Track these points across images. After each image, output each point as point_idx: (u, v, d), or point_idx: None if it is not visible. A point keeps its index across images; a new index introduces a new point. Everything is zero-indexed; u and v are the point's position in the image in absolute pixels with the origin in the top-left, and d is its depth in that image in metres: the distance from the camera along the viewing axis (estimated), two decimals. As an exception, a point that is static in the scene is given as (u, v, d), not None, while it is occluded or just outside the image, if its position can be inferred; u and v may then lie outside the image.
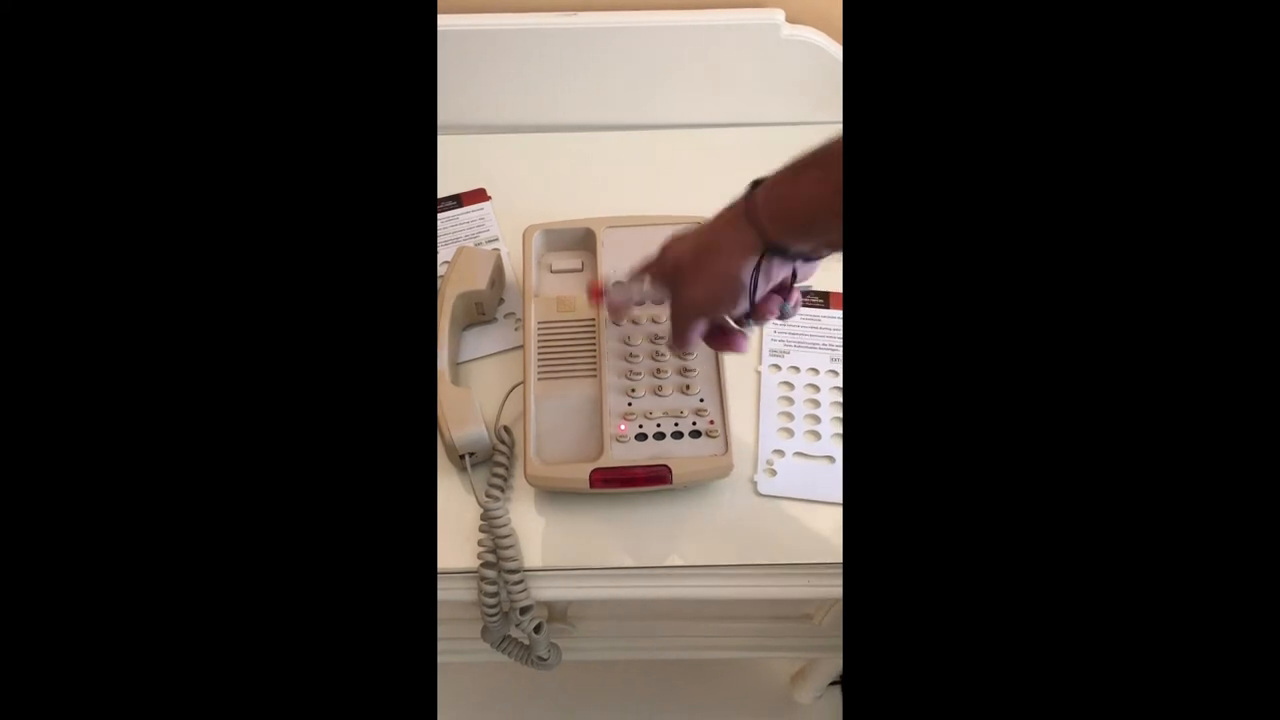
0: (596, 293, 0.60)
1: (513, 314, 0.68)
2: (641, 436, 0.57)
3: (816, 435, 0.61)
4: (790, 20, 0.74)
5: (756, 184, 0.48)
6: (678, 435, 0.57)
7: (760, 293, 0.49)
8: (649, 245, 0.65)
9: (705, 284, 0.50)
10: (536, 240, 0.66)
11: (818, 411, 0.62)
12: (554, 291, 0.64)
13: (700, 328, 0.53)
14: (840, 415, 0.62)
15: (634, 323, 0.62)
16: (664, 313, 0.62)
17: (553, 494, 0.58)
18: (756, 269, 0.47)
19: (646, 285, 0.55)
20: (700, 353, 0.60)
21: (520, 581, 0.55)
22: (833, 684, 0.94)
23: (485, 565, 0.55)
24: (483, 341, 0.66)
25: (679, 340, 0.54)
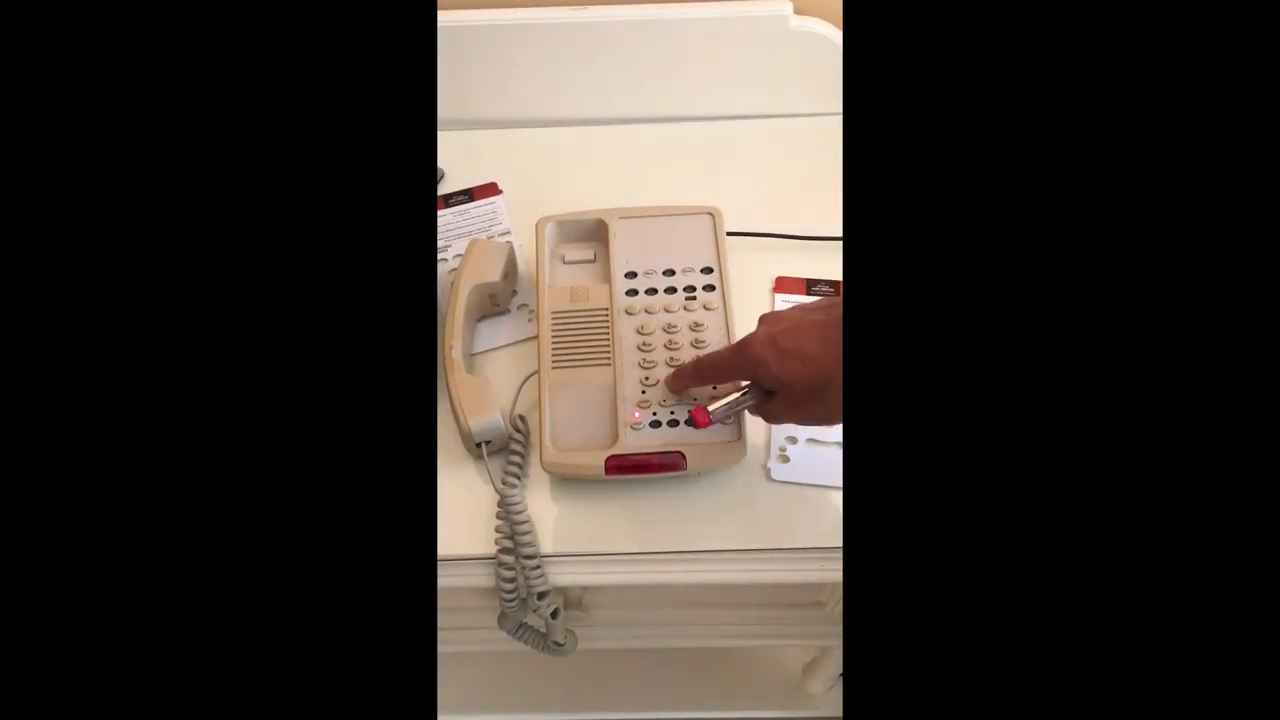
0: (704, 422, 0.55)
1: (526, 305, 0.68)
2: (655, 423, 0.58)
3: (828, 422, 0.62)
4: (798, 12, 0.74)
5: None
6: (691, 422, 0.58)
7: None
8: (660, 235, 0.66)
9: (819, 412, 0.49)
10: (549, 232, 0.67)
11: (829, 398, 0.63)
12: (567, 282, 0.65)
13: None
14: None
15: (648, 312, 0.62)
16: (675, 303, 0.62)
17: (568, 481, 0.59)
18: None
19: (744, 395, 0.54)
20: (713, 340, 0.61)
21: (537, 567, 0.56)
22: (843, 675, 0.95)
23: (503, 551, 0.56)
24: (497, 332, 0.67)
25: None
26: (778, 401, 0.51)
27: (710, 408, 0.54)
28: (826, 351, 0.47)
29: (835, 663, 0.90)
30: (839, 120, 0.79)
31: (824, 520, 0.58)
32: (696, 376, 0.57)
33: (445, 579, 0.57)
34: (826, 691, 0.96)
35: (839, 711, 0.97)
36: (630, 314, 0.62)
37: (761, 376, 0.51)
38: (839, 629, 0.73)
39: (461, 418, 0.58)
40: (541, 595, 0.56)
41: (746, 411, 0.55)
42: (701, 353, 0.60)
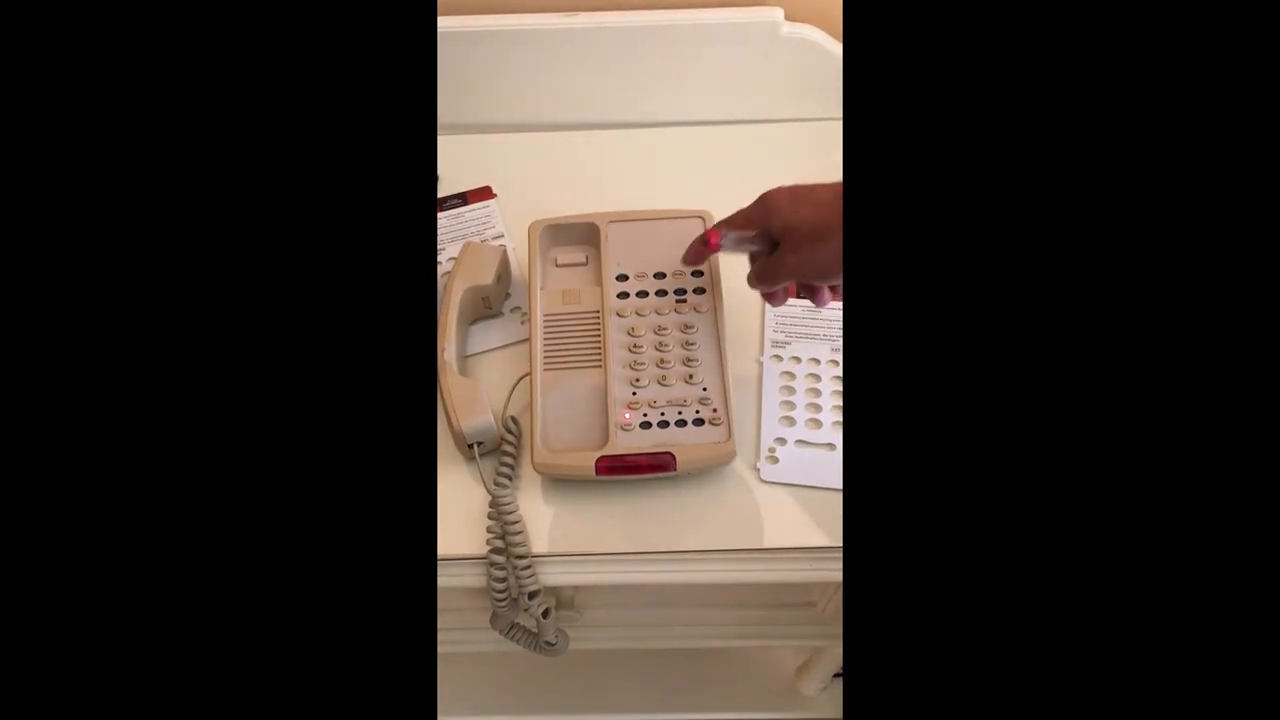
0: (714, 242, 0.58)
1: (519, 308, 0.69)
2: (646, 425, 0.58)
3: (818, 423, 0.62)
4: (789, 18, 0.75)
5: None
6: (681, 423, 0.58)
7: None
8: (651, 238, 0.66)
9: (820, 256, 0.52)
10: (541, 235, 0.67)
11: (819, 400, 0.63)
12: (559, 284, 0.66)
13: (791, 285, 0.56)
14: (841, 404, 0.63)
15: (639, 315, 0.63)
16: (666, 305, 0.63)
17: (559, 482, 0.60)
18: None
19: (751, 241, 0.57)
20: (703, 343, 0.61)
21: (528, 567, 0.56)
22: (837, 675, 0.95)
23: (494, 551, 0.56)
24: (489, 335, 0.68)
25: (769, 296, 0.57)
26: (783, 247, 0.54)
27: (723, 231, 0.58)
28: (838, 205, 0.50)
29: (828, 664, 0.90)
30: (829, 125, 0.79)
31: (814, 520, 0.58)
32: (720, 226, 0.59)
33: (437, 579, 0.57)
34: (820, 693, 0.96)
35: (832, 713, 0.97)
36: (621, 316, 0.63)
37: (773, 221, 0.54)
38: (831, 629, 0.73)
39: (454, 419, 0.59)
40: (532, 595, 0.57)
41: (751, 267, 0.57)
42: (690, 353, 0.61)
